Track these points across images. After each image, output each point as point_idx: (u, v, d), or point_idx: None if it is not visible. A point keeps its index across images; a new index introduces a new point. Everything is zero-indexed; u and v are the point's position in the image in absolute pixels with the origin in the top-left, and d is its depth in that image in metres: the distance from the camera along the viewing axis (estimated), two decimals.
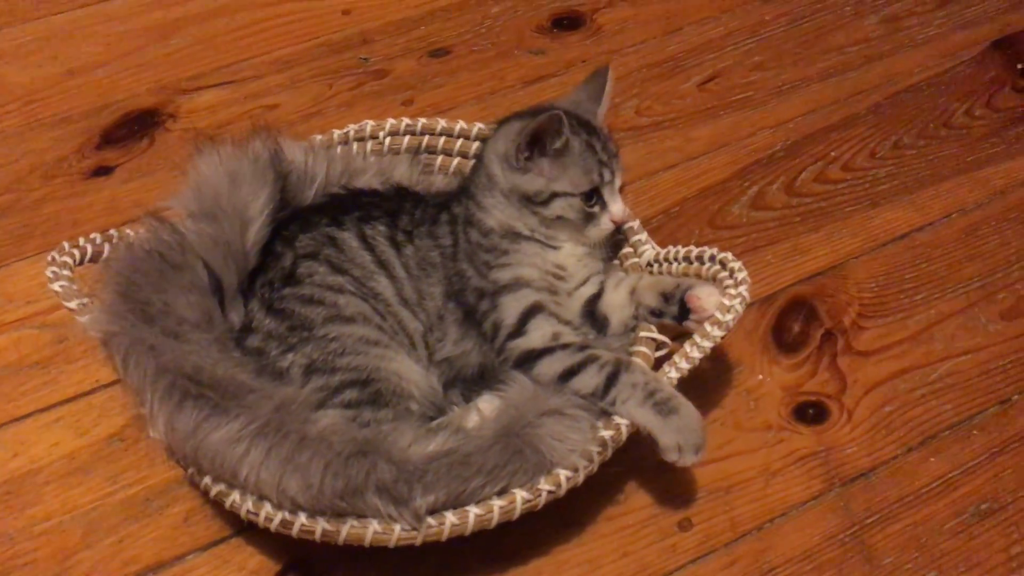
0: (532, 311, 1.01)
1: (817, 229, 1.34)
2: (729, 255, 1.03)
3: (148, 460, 1.09)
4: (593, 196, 1.04)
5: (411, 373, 1.01)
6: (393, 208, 1.09)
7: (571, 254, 1.06)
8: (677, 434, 0.96)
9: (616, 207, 1.05)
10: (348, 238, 1.05)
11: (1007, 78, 1.53)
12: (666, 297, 1.02)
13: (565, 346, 0.99)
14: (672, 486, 1.09)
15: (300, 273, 1.03)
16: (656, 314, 1.04)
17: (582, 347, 0.99)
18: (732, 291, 0.99)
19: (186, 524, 1.05)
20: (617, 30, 1.60)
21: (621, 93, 1.50)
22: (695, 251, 1.06)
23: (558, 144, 1.02)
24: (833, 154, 1.43)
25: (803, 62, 1.56)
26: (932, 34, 1.59)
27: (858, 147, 1.44)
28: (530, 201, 1.04)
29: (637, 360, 1.00)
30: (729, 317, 0.98)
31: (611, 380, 0.96)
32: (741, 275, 1.00)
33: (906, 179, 1.40)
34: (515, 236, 1.04)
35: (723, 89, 1.52)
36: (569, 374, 0.98)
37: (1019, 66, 1.55)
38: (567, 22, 1.61)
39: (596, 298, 1.07)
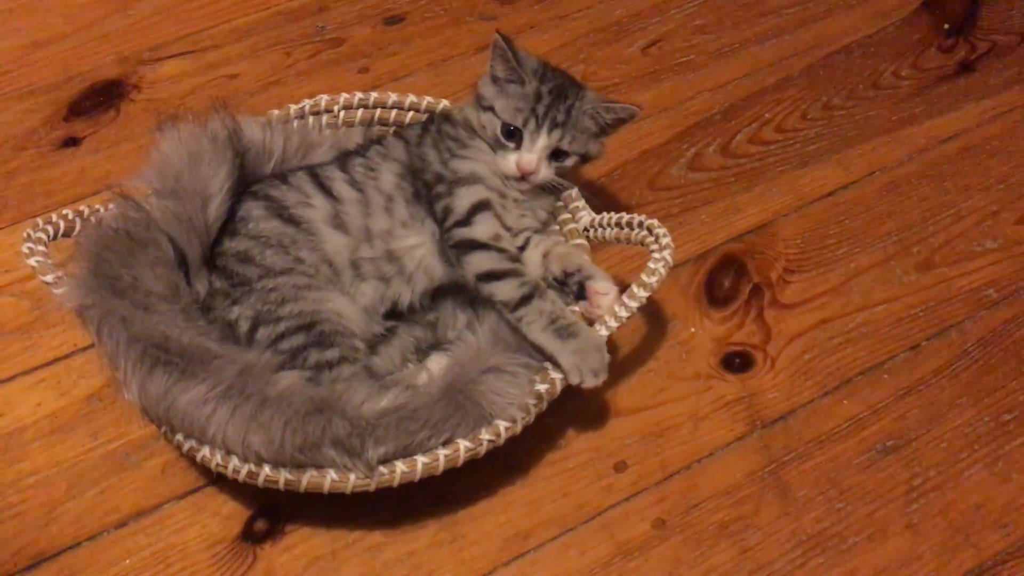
0: (480, 206, 1.10)
1: (750, 189, 1.42)
2: (656, 222, 1.11)
3: (126, 418, 1.17)
4: (514, 134, 1.12)
5: (346, 310, 1.09)
6: (353, 152, 1.19)
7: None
8: (575, 355, 1.04)
9: (526, 157, 1.12)
10: (298, 173, 1.16)
11: (933, 38, 1.61)
12: (567, 275, 1.12)
13: (501, 251, 1.09)
14: (609, 432, 1.19)
15: (238, 218, 1.12)
16: (558, 284, 1.13)
17: (513, 259, 1.09)
18: (657, 255, 1.08)
19: (163, 475, 1.14)
20: None
21: (568, 59, 1.56)
22: (625, 217, 1.14)
23: (508, 72, 1.13)
24: (767, 116, 1.51)
25: (743, 24, 1.62)
26: None
27: (791, 109, 1.52)
28: (478, 102, 1.16)
29: (551, 291, 1.09)
30: (653, 279, 1.07)
31: (525, 299, 1.06)
32: (665, 240, 1.09)
33: (834, 139, 1.48)
34: (474, 132, 1.15)
35: (665, 53, 1.58)
36: (492, 276, 1.07)
37: (945, 26, 1.62)
38: None
39: (521, 250, 1.15)
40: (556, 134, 1.13)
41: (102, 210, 1.12)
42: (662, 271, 1.07)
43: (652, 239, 1.10)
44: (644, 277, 1.07)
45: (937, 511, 1.13)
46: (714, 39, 1.61)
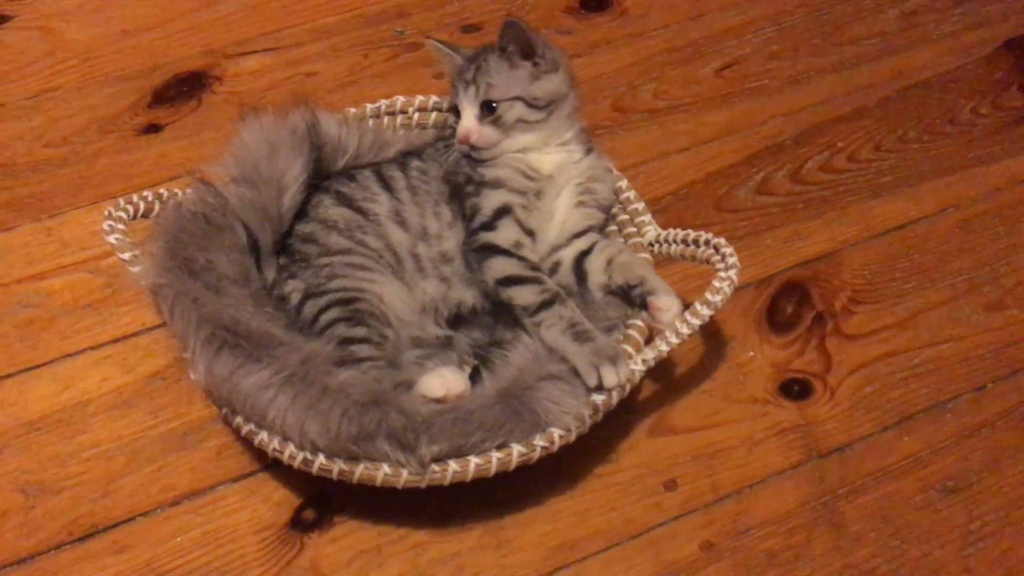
0: (503, 211, 1.11)
1: (818, 216, 1.41)
2: (722, 240, 1.11)
3: (186, 398, 1.19)
4: (456, 113, 1.16)
5: (393, 299, 1.10)
6: (411, 152, 1.22)
7: (546, 159, 1.16)
8: (592, 355, 1.04)
9: (460, 125, 1.14)
10: (364, 171, 1.19)
11: (1015, 78, 1.58)
12: (630, 286, 1.11)
13: (522, 259, 1.10)
14: (660, 450, 1.18)
15: (309, 204, 1.15)
16: (620, 293, 1.13)
17: (533, 267, 1.10)
18: (723, 274, 1.08)
19: (219, 457, 1.15)
20: (642, 13, 1.66)
21: (640, 77, 1.56)
22: (692, 234, 1.14)
23: (446, 66, 1.20)
24: (840, 144, 1.49)
25: (820, 53, 1.61)
26: (947, 31, 1.64)
27: (864, 139, 1.50)
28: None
29: (571, 300, 1.09)
30: (718, 298, 1.06)
31: (545, 304, 1.06)
32: (732, 259, 1.08)
33: (907, 172, 1.46)
34: None
35: (739, 76, 1.57)
36: (512, 281, 1.08)
37: None
38: (594, 3, 1.67)
39: (585, 254, 1.15)
40: (471, 91, 1.14)
41: (181, 194, 1.15)
42: (727, 290, 1.06)
43: (718, 258, 1.10)
44: (708, 295, 1.07)
45: (995, 557, 1.10)
46: (789, 65, 1.60)
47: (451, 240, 1.14)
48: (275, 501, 1.12)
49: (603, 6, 1.67)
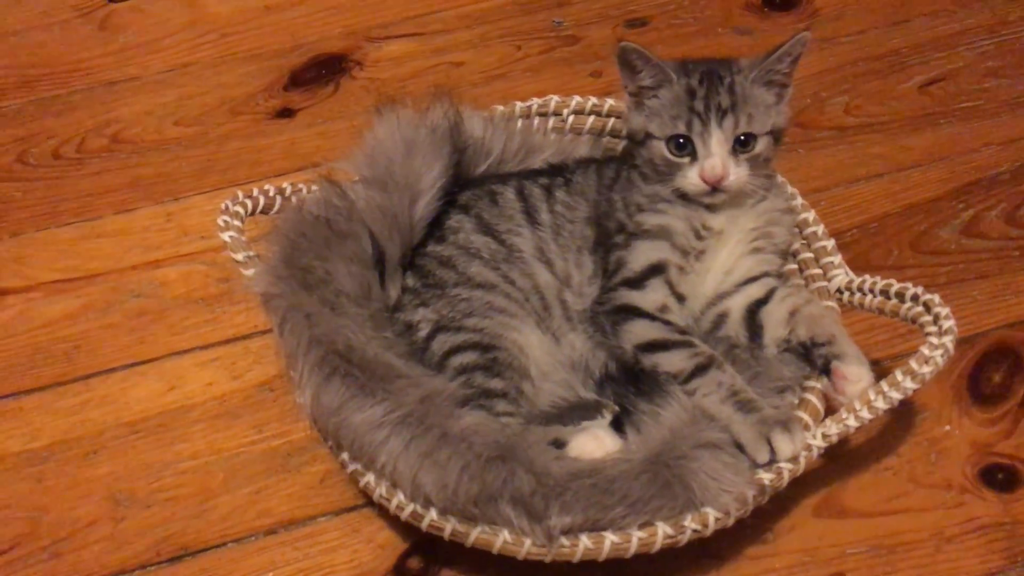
0: (656, 269, 0.97)
1: None
2: (937, 298, 0.92)
3: (293, 415, 1.09)
4: (685, 145, 0.97)
5: (533, 349, 0.98)
6: (560, 168, 1.07)
7: (723, 215, 0.99)
8: (760, 424, 0.89)
9: (708, 163, 0.96)
10: (507, 191, 1.05)
11: None
12: (815, 344, 0.95)
13: (667, 323, 0.96)
14: (828, 535, 1.01)
15: (448, 226, 1.03)
16: (801, 350, 0.96)
17: (682, 331, 0.96)
18: (934, 340, 0.89)
19: (321, 485, 1.05)
20: (835, 15, 1.49)
21: (829, 88, 1.40)
22: (896, 286, 0.95)
23: (645, 81, 0.98)
24: None
25: None
26: None
27: None
28: (633, 141, 1.01)
29: (729, 365, 0.94)
30: (926, 370, 0.88)
31: (700, 370, 0.92)
32: (948, 324, 0.90)
33: None
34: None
35: (948, 94, 1.39)
36: (657, 347, 0.94)
37: None
38: (780, 1, 1.51)
39: (761, 303, 0.99)
40: (729, 121, 0.96)
41: (305, 190, 1.05)
42: (939, 361, 0.88)
43: (929, 319, 0.91)
44: (915, 365, 0.88)
45: None
46: (1009, 85, 1.40)
47: (591, 297, 1.00)
48: (378, 543, 1.02)
49: (790, 4, 1.51)
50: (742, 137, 0.96)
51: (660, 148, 0.98)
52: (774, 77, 0.98)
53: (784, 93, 0.99)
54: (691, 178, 0.97)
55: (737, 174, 0.96)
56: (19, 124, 1.39)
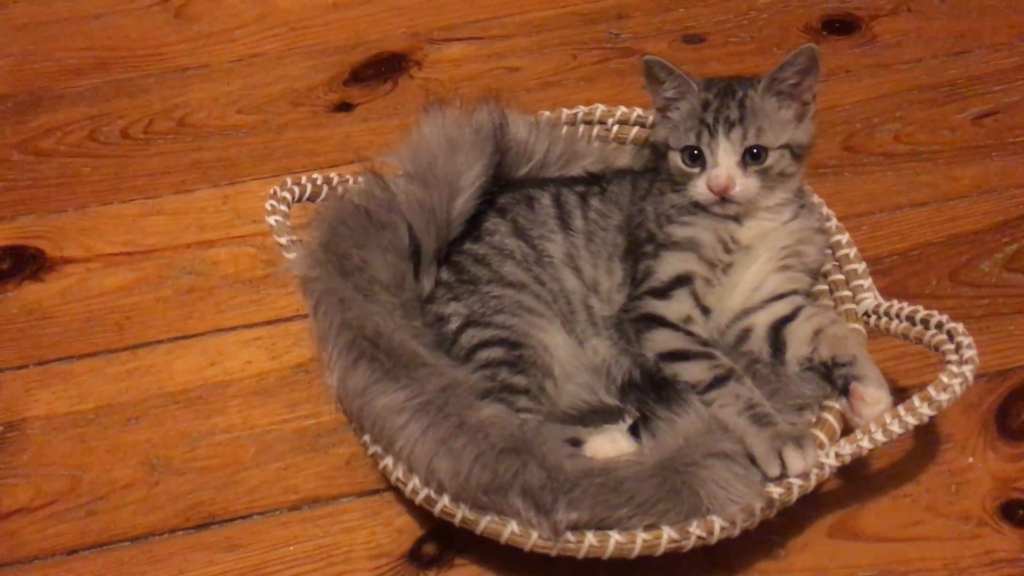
0: (682, 280, 0.98)
1: None
2: (960, 327, 0.92)
3: (324, 397, 1.11)
4: (696, 156, 0.99)
5: (559, 349, 0.99)
6: (598, 177, 1.09)
7: (749, 226, 1.01)
8: (773, 439, 0.89)
9: (712, 173, 0.98)
10: (543, 197, 1.07)
11: None
12: (836, 364, 0.95)
13: (690, 334, 0.97)
14: (840, 556, 1.00)
15: (484, 228, 1.05)
16: (823, 369, 0.96)
17: (703, 342, 0.97)
18: (954, 368, 0.88)
19: (346, 467, 1.08)
20: (894, 42, 1.47)
21: (881, 114, 1.38)
22: (921, 312, 0.95)
23: (668, 93, 1.02)
24: None
25: None
26: None
27: None
28: (658, 153, 1.04)
29: (748, 379, 0.94)
30: (944, 397, 0.87)
31: (719, 381, 0.93)
32: (969, 353, 0.89)
33: None
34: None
35: (1003, 127, 1.36)
36: (678, 356, 0.95)
37: None
38: (839, 25, 1.50)
39: (787, 320, 1.00)
40: (737, 133, 0.97)
41: (351, 181, 1.08)
42: (957, 389, 0.87)
43: (951, 347, 0.90)
44: (932, 391, 0.88)
45: None
46: None
47: (619, 304, 1.01)
48: (397, 527, 1.04)
49: (850, 29, 1.49)
50: (754, 150, 0.98)
51: (676, 159, 1.01)
52: (782, 88, 0.99)
53: (806, 111, 1.00)
54: (699, 187, 0.99)
55: (745, 185, 0.98)
56: (93, 103, 1.46)
